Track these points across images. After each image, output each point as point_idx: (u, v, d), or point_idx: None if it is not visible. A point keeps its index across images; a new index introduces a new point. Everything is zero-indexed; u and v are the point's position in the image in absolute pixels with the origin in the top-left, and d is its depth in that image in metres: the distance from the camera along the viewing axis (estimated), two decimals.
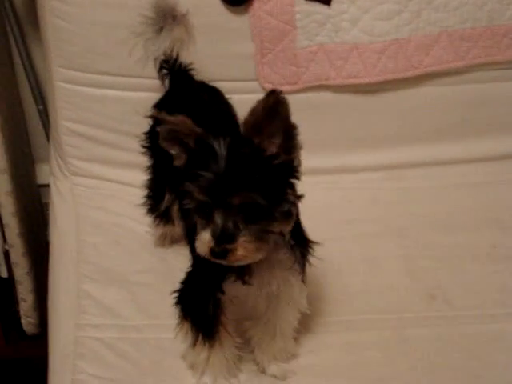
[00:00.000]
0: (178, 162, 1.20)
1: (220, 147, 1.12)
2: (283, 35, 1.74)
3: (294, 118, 1.14)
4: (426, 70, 1.81)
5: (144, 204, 1.63)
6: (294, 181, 1.18)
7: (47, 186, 1.95)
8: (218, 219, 1.13)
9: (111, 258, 1.63)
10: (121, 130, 1.81)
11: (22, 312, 2.04)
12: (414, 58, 1.79)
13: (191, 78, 1.62)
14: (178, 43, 1.58)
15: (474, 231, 1.70)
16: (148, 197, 1.62)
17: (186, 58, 1.60)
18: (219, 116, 1.44)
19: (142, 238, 1.67)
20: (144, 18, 1.55)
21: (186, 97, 1.53)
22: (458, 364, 1.40)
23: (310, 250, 1.31)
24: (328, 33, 1.75)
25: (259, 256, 1.17)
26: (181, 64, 1.60)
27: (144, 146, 1.57)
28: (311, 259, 1.32)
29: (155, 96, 1.62)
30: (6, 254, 1.98)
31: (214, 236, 1.13)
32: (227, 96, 1.59)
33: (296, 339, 1.41)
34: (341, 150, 1.86)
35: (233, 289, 1.28)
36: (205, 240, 1.14)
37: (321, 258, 1.34)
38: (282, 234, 1.19)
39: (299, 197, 1.20)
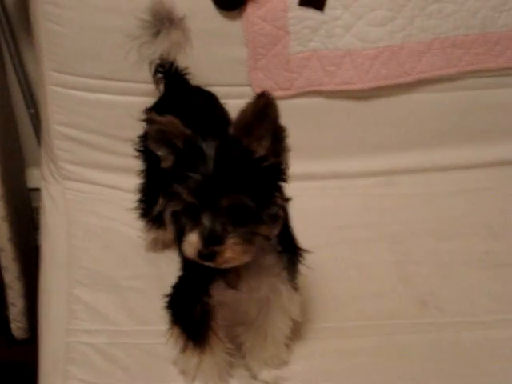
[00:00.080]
0: (165, 164, 1.19)
1: (208, 148, 1.12)
2: (276, 41, 1.74)
3: (287, 123, 1.14)
4: (418, 76, 1.81)
5: (137, 208, 1.62)
6: (282, 184, 1.18)
7: (38, 189, 1.94)
8: (206, 221, 1.12)
9: (103, 263, 1.62)
10: (113, 135, 1.80)
11: (11, 317, 2.03)
12: (406, 65, 1.80)
13: (187, 82, 1.62)
14: (174, 47, 1.57)
15: (465, 238, 1.71)
16: (141, 201, 1.62)
17: (180, 62, 1.60)
18: (213, 121, 1.44)
19: (134, 242, 1.67)
20: (140, 21, 1.55)
21: (180, 101, 1.53)
22: (450, 370, 1.40)
23: (300, 258, 1.30)
24: (321, 39, 1.75)
25: (246, 258, 1.16)
26: (177, 68, 1.60)
27: (138, 150, 1.57)
28: (302, 267, 1.32)
29: (148, 100, 1.62)
30: None
31: (202, 238, 1.13)
32: (222, 101, 1.59)
33: (287, 345, 1.41)
34: (333, 156, 1.86)
35: (220, 293, 1.27)
36: (192, 242, 1.14)
37: (312, 264, 1.34)
38: (268, 238, 1.19)
39: (287, 200, 1.20)
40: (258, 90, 1.75)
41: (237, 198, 1.11)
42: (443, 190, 1.84)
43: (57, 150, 1.82)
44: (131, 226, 1.67)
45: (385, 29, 1.75)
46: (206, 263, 1.15)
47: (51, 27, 1.70)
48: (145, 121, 1.40)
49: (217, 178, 1.11)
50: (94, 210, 1.76)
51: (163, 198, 1.52)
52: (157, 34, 1.55)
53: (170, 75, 1.60)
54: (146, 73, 1.60)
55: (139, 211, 1.62)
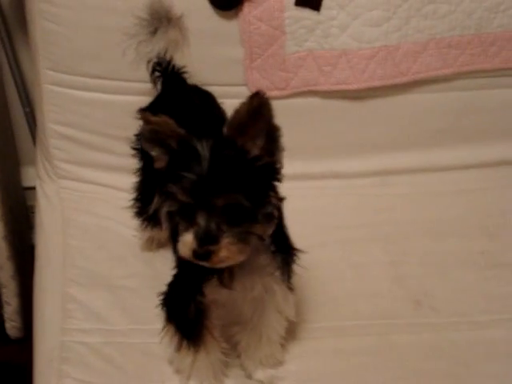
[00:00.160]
0: (158, 165, 1.19)
1: (203, 148, 1.11)
2: (272, 40, 1.74)
3: (283, 123, 1.14)
4: (414, 76, 1.81)
5: (132, 207, 1.62)
6: (276, 183, 1.18)
7: (32, 188, 1.94)
8: (201, 220, 1.12)
9: (98, 262, 1.62)
10: (109, 134, 1.80)
11: (6, 316, 2.03)
12: (402, 65, 1.80)
13: (184, 81, 1.62)
14: (172, 45, 1.58)
15: (461, 238, 1.71)
16: (136, 199, 1.61)
17: (177, 61, 1.60)
18: (210, 120, 1.43)
19: (129, 241, 1.66)
20: (138, 19, 1.54)
21: (177, 100, 1.53)
22: (445, 370, 1.40)
23: (295, 258, 1.30)
24: (317, 39, 1.75)
25: (241, 258, 1.16)
26: (174, 67, 1.60)
27: (134, 148, 1.57)
28: (296, 267, 1.32)
29: (144, 99, 1.62)
30: None
31: (197, 237, 1.13)
32: (219, 100, 1.58)
33: (282, 345, 1.41)
34: (329, 156, 1.86)
35: (214, 292, 1.27)
36: (187, 242, 1.14)
37: (307, 264, 1.34)
38: (261, 237, 1.19)
39: (281, 199, 1.20)
40: (254, 90, 1.76)
41: (232, 198, 1.11)
42: (439, 190, 1.84)
43: (52, 149, 1.82)
44: (126, 225, 1.67)
45: (380, 29, 1.75)
46: (201, 263, 1.15)
47: (47, 26, 1.70)
48: (141, 119, 1.40)
49: (211, 177, 1.10)
50: (90, 209, 1.75)
51: (159, 197, 1.53)
52: (154, 32, 1.55)
53: (167, 74, 1.60)
54: (143, 72, 1.60)
55: (135, 209, 1.62)
